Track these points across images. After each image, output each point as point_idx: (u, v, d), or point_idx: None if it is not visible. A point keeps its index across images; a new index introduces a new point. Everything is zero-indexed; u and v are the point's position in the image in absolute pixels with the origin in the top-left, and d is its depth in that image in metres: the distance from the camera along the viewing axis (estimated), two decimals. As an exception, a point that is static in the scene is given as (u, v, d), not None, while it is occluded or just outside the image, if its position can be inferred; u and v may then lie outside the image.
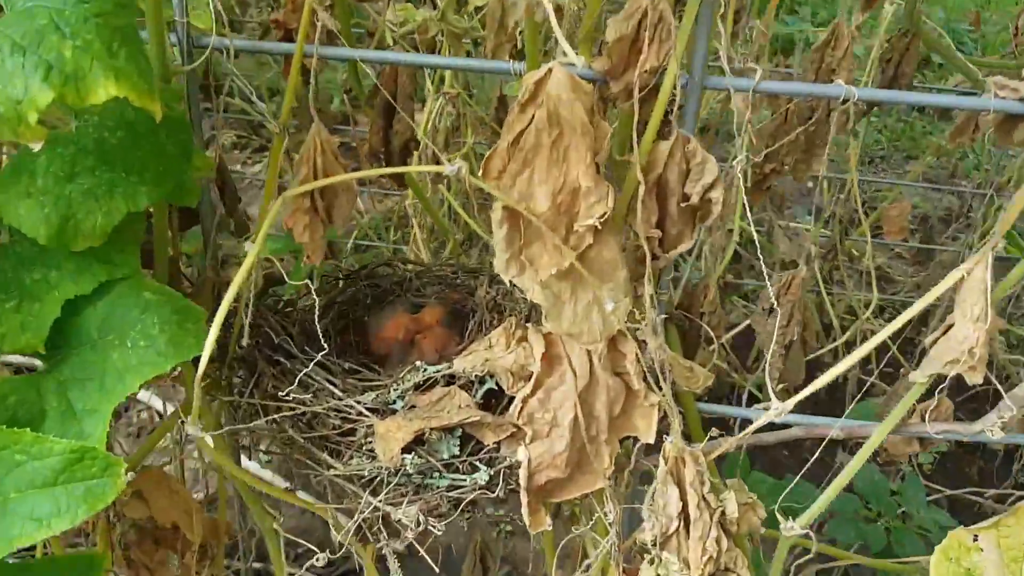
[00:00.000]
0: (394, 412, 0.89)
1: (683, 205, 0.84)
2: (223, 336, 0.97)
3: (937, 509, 2.07)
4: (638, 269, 0.89)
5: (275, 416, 0.91)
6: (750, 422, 0.88)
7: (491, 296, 0.98)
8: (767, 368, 0.98)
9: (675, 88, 0.78)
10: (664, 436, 0.88)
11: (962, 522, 2.07)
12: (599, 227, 0.76)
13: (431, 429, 0.86)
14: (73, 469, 0.70)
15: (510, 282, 0.81)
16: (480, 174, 0.80)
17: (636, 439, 0.92)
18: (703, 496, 0.88)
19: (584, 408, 0.86)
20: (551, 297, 0.82)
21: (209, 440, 0.87)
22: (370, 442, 0.89)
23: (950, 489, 2.27)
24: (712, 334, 0.94)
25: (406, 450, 0.86)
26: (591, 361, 0.86)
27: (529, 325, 0.90)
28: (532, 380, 0.87)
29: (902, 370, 0.97)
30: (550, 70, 0.74)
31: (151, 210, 0.86)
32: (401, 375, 0.89)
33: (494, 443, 0.87)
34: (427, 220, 2.48)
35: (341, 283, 1.10)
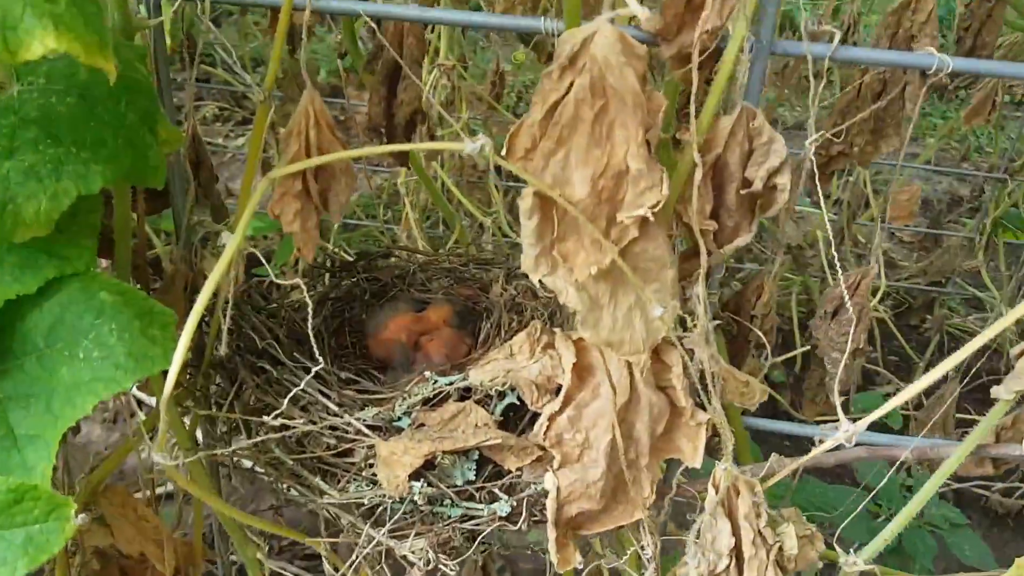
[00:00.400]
0: (399, 431, 0.76)
1: (743, 192, 0.71)
2: (198, 337, 0.84)
3: (947, 505, 1.99)
4: (682, 267, 0.76)
5: (259, 434, 0.78)
6: (802, 439, 0.77)
7: (509, 293, 0.85)
8: (829, 380, 0.86)
9: (741, 53, 0.65)
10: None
11: (968, 516, 1.97)
12: (650, 218, 0.63)
13: (443, 453, 0.73)
14: (11, 512, 0.57)
15: (539, 282, 0.68)
16: (504, 153, 0.66)
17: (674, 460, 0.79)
18: (759, 531, 0.76)
19: (623, 428, 0.73)
20: (587, 300, 0.69)
21: (182, 468, 0.74)
22: (371, 465, 0.76)
23: (958, 481, 2.19)
24: (764, 340, 0.81)
25: (414, 476, 0.73)
26: (631, 374, 0.73)
27: (557, 331, 0.77)
28: (561, 395, 0.74)
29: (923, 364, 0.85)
30: (596, 29, 0.60)
31: (111, 191, 0.72)
32: (407, 388, 0.76)
33: (517, 469, 0.74)
34: (420, 198, 2.34)
35: (334, 276, 0.96)
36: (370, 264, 0.97)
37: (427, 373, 0.77)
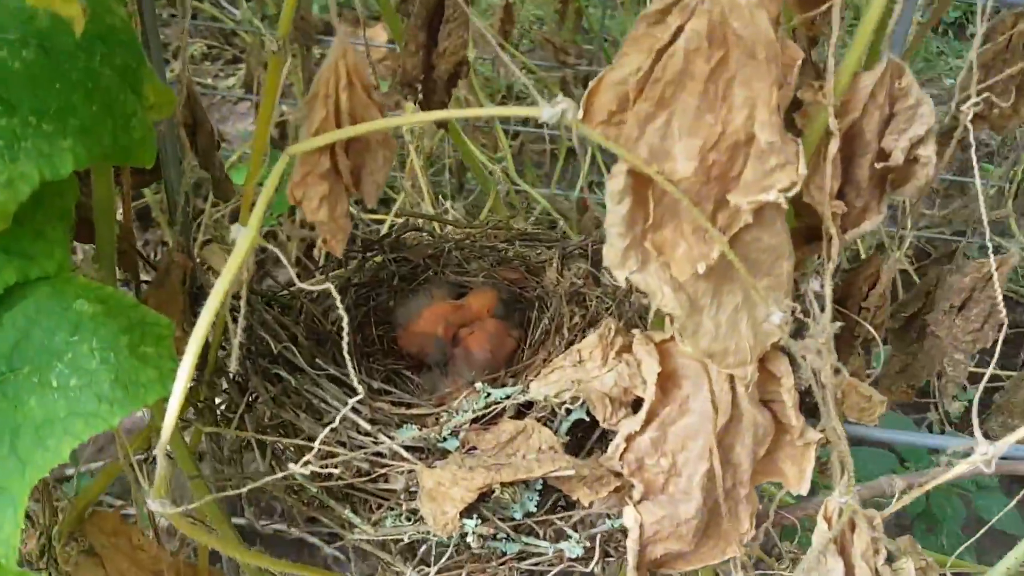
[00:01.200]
0: (444, 453, 0.63)
1: (878, 166, 0.57)
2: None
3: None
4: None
5: (276, 457, 0.65)
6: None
7: (568, 281, 0.71)
8: (947, 382, 0.73)
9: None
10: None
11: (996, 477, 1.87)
12: (782, 203, 0.49)
13: (501, 485, 0.60)
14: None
15: (626, 281, 0.54)
16: (580, 116, 0.52)
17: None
18: (876, 570, 0.64)
19: (721, 453, 0.60)
20: (686, 302, 0.55)
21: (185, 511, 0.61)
22: (412, 495, 0.63)
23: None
24: (877, 336, 0.68)
25: (465, 512, 0.60)
26: (733, 388, 0.60)
27: (636, 332, 0.64)
28: (642, 411, 0.61)
29: None
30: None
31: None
32: (454, 404, 0.62)
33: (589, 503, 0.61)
34: (424, 144, 2.18)
35: (355, 257, 0.82)
36: (397, 241, 0.82)
37: (478, 385, 0.63)
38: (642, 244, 0.54)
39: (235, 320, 0.66)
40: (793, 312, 0.57)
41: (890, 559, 0.67)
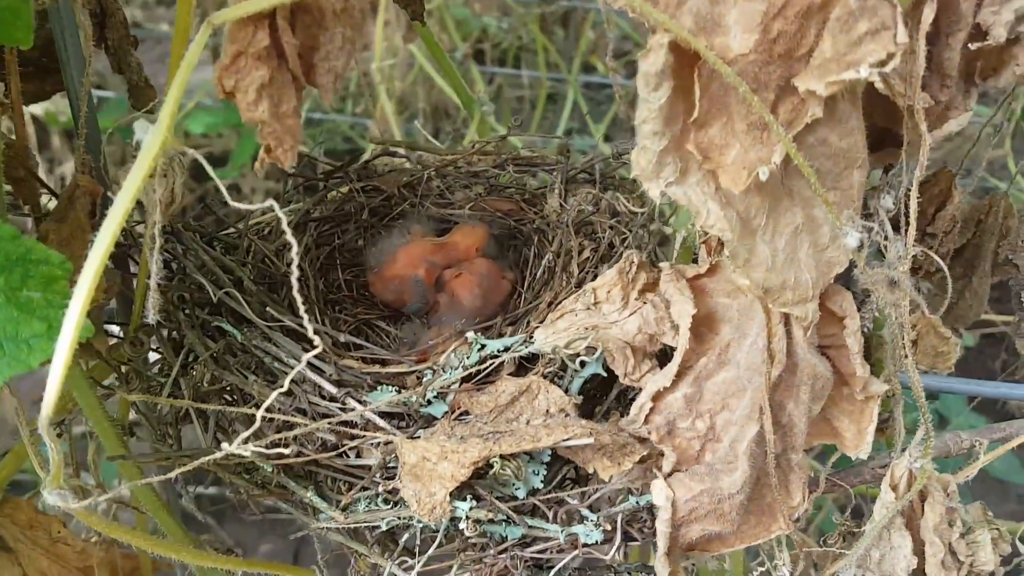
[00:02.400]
0: (430, 421, 0.51)
1: (972, 47, 0.45)
2: (122, 286, 0.57)
3: (974, 414, 1.85)
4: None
5: (220, 426, 0.53)
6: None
7: (573, 209, 0.59)
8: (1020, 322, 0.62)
9: None
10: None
11: (986, 420, 1.82)
12: (877, 82, 0.37)
13: (501, 458, 0.48)
14: None
15: (659, 194, 0.42)
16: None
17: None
18: (949, 547, 0.53)
19: (772, 411, 0.49)
20: (736, 222, 0.43)
21: (100, 500, 0.48)
22: (391, 472, 0.51)
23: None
24: (945, 269, 0.56)
25: (457, 492, 0.48)
26: (789, 333, 0.48)
27: (664, 267, 0.51)
28: (673, 363, 0.49)
29: None
30: None
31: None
32: (441, 361, 0.50)
33: (612, 476, 0.49)
34: (395, 86, 2.03)
35: (316, 187, 0.69)
36: (367, 168, 0.69)
37: (469, 335, 0.51)
38: (683, 146, 0.42)
39: (167, 263, 0.54)
40: (869, 233, 0.45)
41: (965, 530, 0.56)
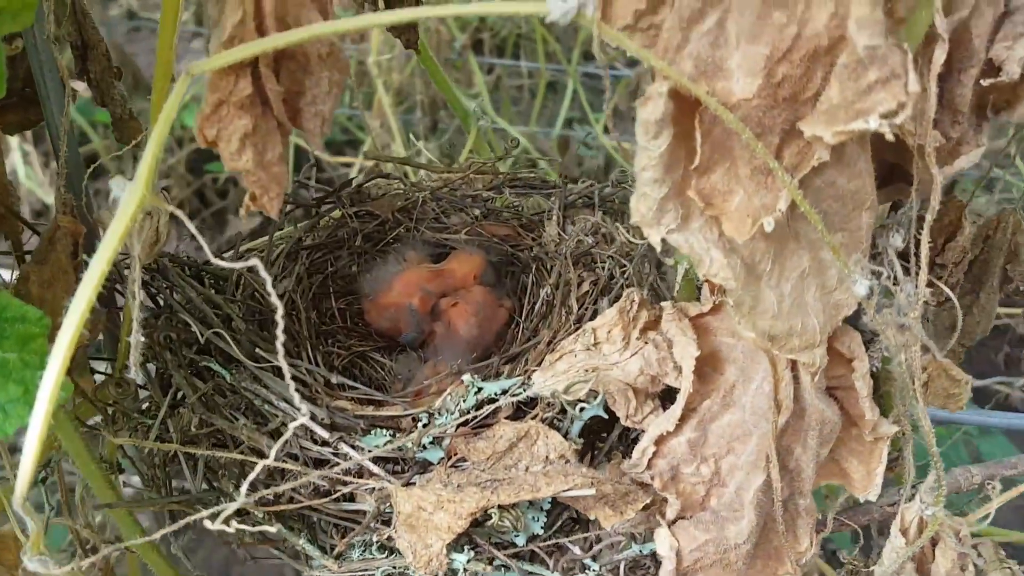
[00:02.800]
0: (425, 466, 0.49)
1: (985, 83, 0.43)
2: (110, 322, 0.56)
3: (976, 407, 1.83)
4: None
5: (210, 468, 0.52)
6: None
7: (572, 238, 0.57)
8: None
9: None
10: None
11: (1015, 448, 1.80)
12: (887, 132, 0.35)
13: (500, 509, 0.47)
14: None
15: (659, 241, 0.41)
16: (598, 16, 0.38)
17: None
18: (962, 591, 0.52)
19: (779, 456, 0.47)
20: (741, 270, 0.41)
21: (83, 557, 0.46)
22: (386, 519, 0.50)
23: (976, 378, 2.02)
24: (955, 300, 0.55)
25: (455, 543, 0.47)
26: (796, 378, 0.47)
27: (665, 306, 0.50)
28: (676, 406, 0.48)
29: None
30: None
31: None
32: (437, 404, 0.49)
33: (614, 526, 0.48)
34: (393, 78, 2.00)
35: (309, 213, 0.67)
36: (361, 192, 0.67)
37: (466, 377, 0.49)
38: (684, 192, 0.40)
39: (153, 299, 0.52)
40: (878, 277, 0.43)
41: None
